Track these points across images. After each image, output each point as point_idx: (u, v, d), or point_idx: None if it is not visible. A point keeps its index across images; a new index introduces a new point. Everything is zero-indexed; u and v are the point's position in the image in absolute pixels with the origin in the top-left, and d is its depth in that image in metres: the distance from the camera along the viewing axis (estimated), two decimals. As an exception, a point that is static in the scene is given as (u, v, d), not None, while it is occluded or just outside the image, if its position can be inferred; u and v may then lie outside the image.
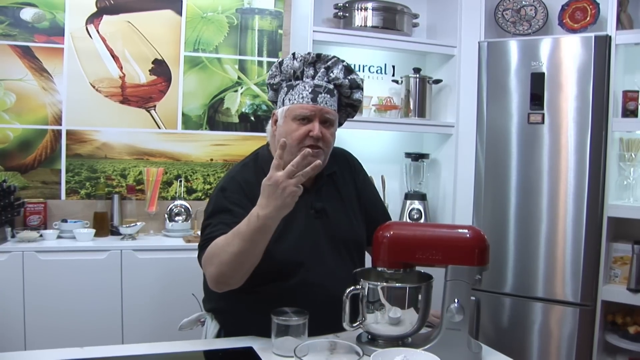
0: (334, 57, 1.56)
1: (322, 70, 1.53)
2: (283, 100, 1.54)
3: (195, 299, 1.76)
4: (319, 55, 1.55)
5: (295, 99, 1.51)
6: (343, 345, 1.22)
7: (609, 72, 2.46)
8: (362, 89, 1.59)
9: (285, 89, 1.55)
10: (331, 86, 1.53)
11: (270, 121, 1.61)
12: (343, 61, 1.57)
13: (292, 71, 1.54)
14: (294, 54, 1.56)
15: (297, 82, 1.53)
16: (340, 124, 1.63)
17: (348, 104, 1.60)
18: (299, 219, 1.48)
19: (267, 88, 1.65)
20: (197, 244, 1.48)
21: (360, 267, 1.57)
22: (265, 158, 1.57)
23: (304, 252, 1.50)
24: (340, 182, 1.65)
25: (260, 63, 3.03)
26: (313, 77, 1.53)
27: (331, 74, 1.53)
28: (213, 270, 1.36)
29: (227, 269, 1.34)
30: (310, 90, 1.50)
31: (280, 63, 1.58)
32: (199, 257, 1.44)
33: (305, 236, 1.52)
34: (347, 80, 1.54)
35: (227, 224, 1.39)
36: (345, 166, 1.70)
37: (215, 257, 1.35)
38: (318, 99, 1.49)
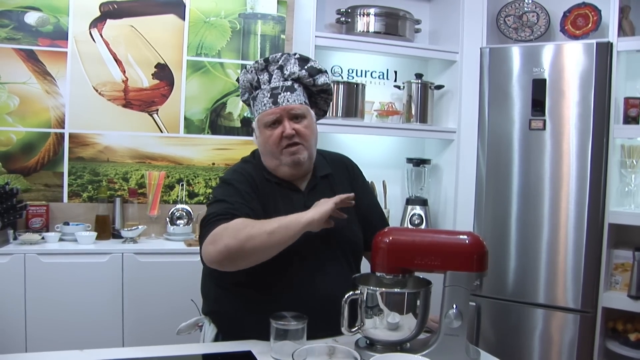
0: (282, 54, 1.59)
1: (276, 71, 1.57)
2: (254, 113, 1.59)
3: (194, 305, 1.76)
4: (266, 59, 1.59)
5: (259, 109, 1.55)
6: (342, 350, 1.23)
7: (610, 78, 2.46)
8: (323, 72, 1.60)
9: (252, 101, 1.60)
10: (289, 83, 1.55)
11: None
12: (295, 54, 1.59)
13: (249, 84, 1.59)
14: (246, 67, 1.60)
15: (257, 91, 1.57)
16: (324, 112, 1.67)
17: (319, 91, 1.62)
18: None
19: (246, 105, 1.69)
20: (199, 245, 1.45)
21: (356, 270, 1.58)
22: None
23: (298, 252, 1.48)
24: (337, 185, 1.64)
25: (262, 68, 3.05)
26: (269, 82, 1.56)
27: (285, 72, 1.56)
28: (232, 242, 1.34)
29: (249, 244, 1.33)
30: (269, 95, 1.54)
31: (238, 80, 1.62)
32: (208, 230, 1.40)
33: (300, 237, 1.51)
34: (304, 71, 1.56)
35: (243, 204, 1.41)
36: (342, 170, 1.70)
37: (242, 231, 1.34)
38: (278, 100, 1.52)
